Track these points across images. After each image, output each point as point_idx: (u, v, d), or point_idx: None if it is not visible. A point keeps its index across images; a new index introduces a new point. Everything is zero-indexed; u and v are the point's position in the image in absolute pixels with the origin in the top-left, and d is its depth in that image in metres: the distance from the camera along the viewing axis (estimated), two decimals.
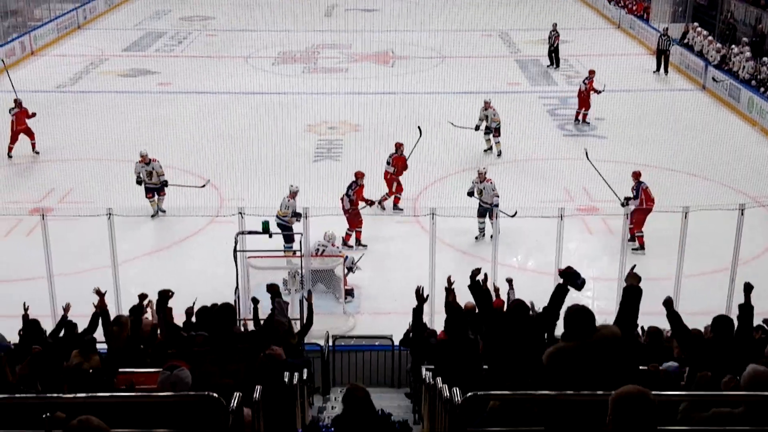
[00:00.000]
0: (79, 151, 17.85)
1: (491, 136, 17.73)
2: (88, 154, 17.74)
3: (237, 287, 10.33)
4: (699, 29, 25.07)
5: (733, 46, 22.93)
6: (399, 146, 15.29)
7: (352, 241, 13.67)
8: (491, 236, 12.88)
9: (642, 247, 13.41)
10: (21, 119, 17.23)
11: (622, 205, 13.04)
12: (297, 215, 12.47)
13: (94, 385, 5.64)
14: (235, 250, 10.46)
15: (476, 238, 13.77)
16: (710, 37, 24.38)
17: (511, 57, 26.90)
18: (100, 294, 8.29)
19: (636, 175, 13.76)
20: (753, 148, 18.46)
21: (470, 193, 13.86)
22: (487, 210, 13.54)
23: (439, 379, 6.41)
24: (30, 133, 17.53)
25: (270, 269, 11.24)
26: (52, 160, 17.32)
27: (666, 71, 24.32)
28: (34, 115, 17.49)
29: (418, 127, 15.94)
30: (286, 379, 6.73)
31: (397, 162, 15.14)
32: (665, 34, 24.57)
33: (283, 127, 19.46)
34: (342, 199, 13.65)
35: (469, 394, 4.53)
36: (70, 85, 23.55)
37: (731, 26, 24.71)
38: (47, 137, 18.60)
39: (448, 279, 8.08)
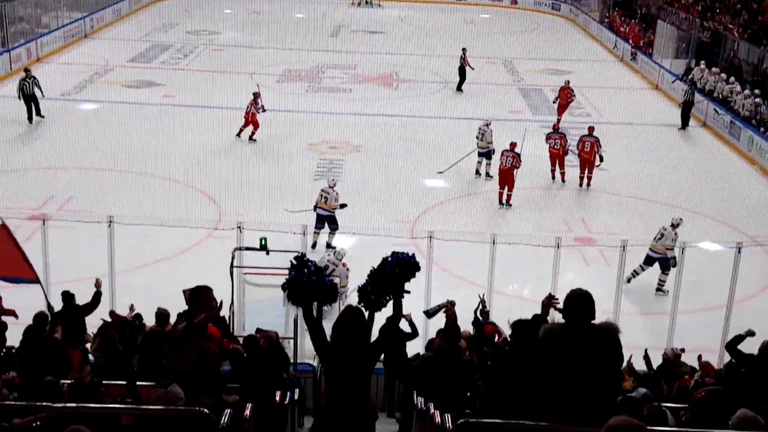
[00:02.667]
0: (80, 160, 17.89)
1: (483, 159, 17.90)
2: (89, 163, 17.77)
3: (232, 303, 10.32)
4: (704, 67, 25.17)
5: (735, 83, 23.07)
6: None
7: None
8: None
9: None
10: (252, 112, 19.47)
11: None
12: (343, 205, 14.18)
13: (86, 395, 5.63)
14: (231, 266, 10.46)
15: None
16: (722, 73, 24.25)
17: (514, 85, 27.04)
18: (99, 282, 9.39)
19: (590, 129, 17.65)
20: (752, 187, 18.54)
21: None
22: None
23: (431, 405, 6.41)
24: (256, 125, 19.52)
25: (267, 286, 11.21)
26: (52, 168, 17.33)
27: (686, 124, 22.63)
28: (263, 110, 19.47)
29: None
30: (278, 399, 6.72)
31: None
32: (690, 86, 22.97)
33: (285, 145, 19.55)
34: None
35: (461, 421, 4.54)
36: (74, 93, 23.62)
37: (735, 65, 24.84)
38: (49, 145, 18.68)
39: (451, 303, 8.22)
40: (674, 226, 12.88)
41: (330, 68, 28.16)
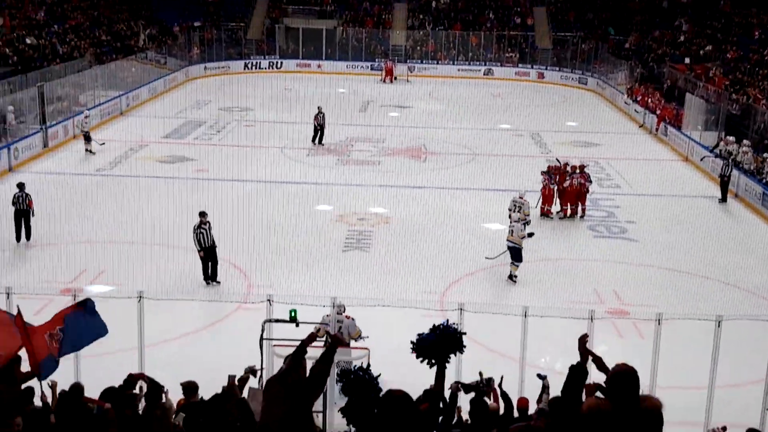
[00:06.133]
0: (113, 234, 18.14)
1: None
2: (122, 236, 18.01)
3: (261, 376, 10.24)
4: (732, 139, 25.09)
5: (765, 154, 22.95)
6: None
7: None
8: None
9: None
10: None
11: None
12: (531, 234, 15.80)
13: None
14: (261, 338, 10.42)
15: None
16: (747, 144, 24.20)
17: (541, 156, 27.14)
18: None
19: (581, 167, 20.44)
20: None
21: None
22: None
23: None
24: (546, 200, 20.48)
25: None
26: (85, 242, 17.58)
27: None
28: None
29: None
30: None
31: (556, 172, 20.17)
32: (729, 162, 22.67)
33: (314, 217, 19.70)
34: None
35: None
36: (109, 168, 24.13)
37: (767, 138, 24.75)
38: (83, 219, 18.98)
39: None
40: None
41: (359, 141, 28.53)
